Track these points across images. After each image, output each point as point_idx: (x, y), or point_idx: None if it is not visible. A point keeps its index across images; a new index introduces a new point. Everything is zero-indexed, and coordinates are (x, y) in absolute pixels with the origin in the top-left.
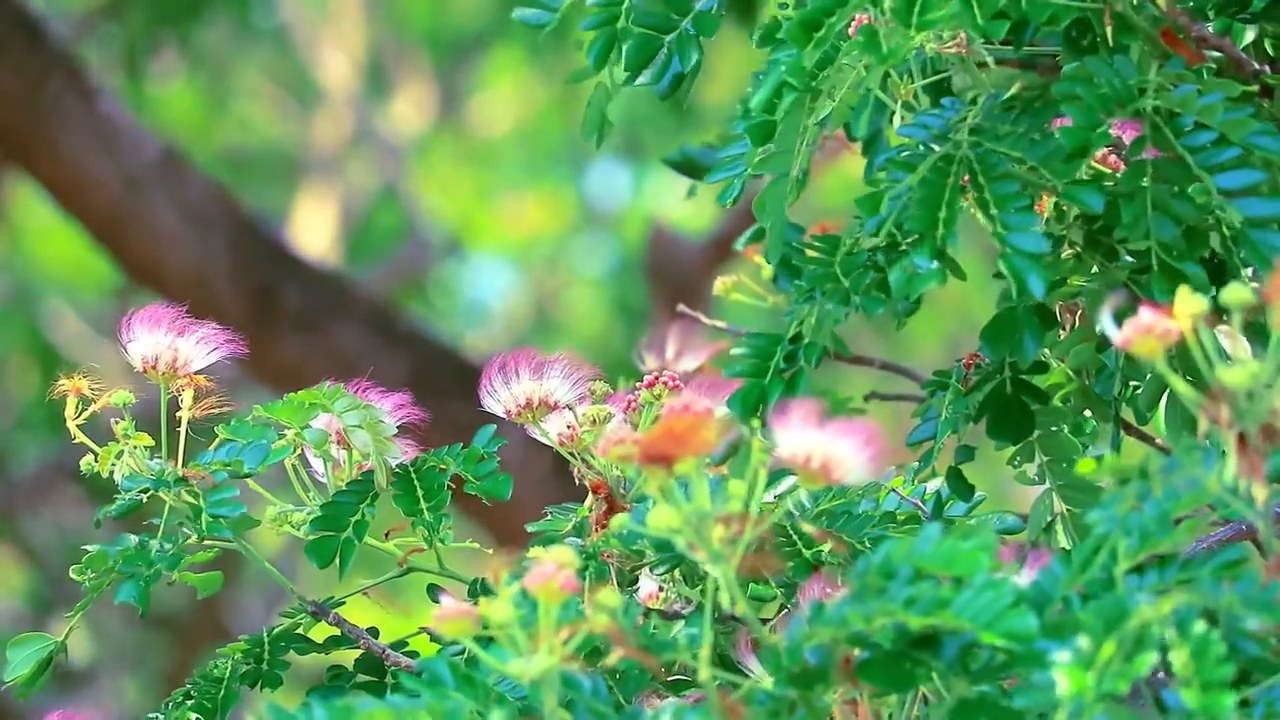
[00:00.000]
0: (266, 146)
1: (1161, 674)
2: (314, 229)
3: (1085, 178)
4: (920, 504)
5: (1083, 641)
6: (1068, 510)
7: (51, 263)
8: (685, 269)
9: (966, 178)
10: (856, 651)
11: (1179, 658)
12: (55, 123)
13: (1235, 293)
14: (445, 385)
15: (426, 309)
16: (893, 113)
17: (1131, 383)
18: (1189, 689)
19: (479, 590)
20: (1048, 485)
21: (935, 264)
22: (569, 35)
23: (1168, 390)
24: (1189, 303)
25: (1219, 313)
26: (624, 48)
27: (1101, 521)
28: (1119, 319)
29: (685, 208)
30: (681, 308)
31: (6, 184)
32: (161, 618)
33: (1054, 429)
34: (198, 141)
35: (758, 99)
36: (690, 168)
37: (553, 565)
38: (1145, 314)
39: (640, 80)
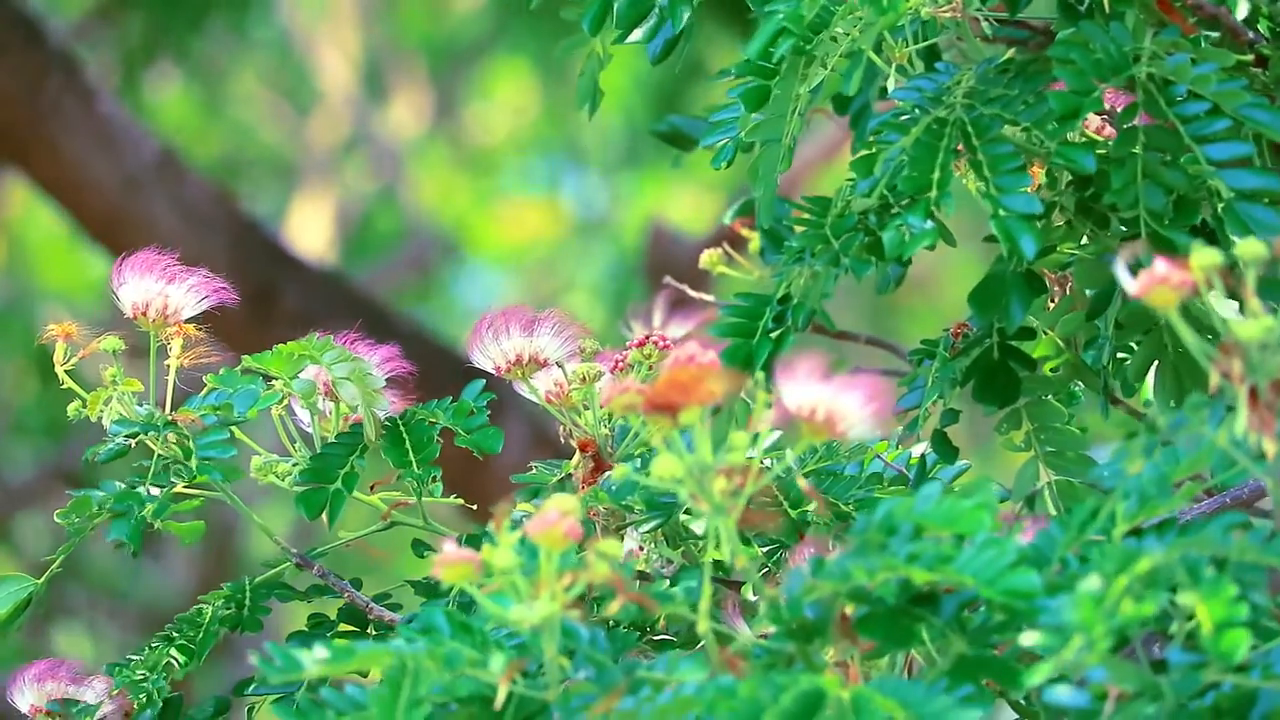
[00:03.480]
0: (264, 150)
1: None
2: (310, 232)
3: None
4: (904, 469)
5: (1094, 581)
6: (1054, 478)
7: (49, 267)
8: (684, 269)
9: (960, 144)
10: (853, 609)
11: (1191, 599)
12: (54, 123)
13: (1250, 247)
14: (443, 385)
15: (424, 312)
16: (884, 81)
17: (1119, 354)
18: (1204, 630)
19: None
20: (1034, 453)
21: (929, 224)
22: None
23: (1156, 361)
24: (1203, 255)
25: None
26: (615, 6)
27: (1108, 476)
28: (1134, 270)
29: (684, 209)
30: (668, 279)
31: (5, 188)
32: (158, 616)
33: (1042, 396)
34: (195, 147)
35: (754, 46)
36: (677, 138)
37: (555, 512)
38: (1160, 264)
39: (632, 38)
